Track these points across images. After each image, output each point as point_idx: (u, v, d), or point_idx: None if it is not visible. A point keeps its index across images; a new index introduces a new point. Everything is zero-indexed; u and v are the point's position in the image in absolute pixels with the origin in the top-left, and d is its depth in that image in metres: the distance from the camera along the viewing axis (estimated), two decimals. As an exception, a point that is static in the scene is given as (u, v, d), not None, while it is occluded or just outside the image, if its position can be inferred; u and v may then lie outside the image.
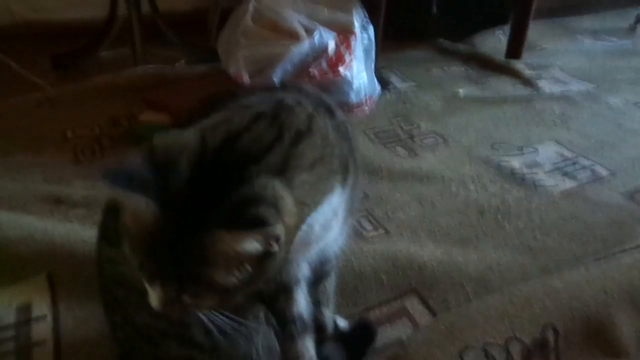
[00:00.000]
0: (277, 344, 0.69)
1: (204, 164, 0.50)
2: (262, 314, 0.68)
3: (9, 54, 1.84)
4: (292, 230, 0.53)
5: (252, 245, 0.49)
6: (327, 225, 0.62)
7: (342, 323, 0.85)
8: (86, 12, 2.06)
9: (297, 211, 0.52)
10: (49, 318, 0.88)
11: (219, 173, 0.50)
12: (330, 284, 0.79)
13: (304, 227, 0.55)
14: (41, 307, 0.90)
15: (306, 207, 0.54)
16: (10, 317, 0.88)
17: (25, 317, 0.88)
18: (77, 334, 0.85)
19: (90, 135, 1.47)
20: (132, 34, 1.88)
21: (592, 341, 0.85)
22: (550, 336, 0.81)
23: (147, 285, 0.53)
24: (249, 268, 0.51)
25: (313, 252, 0.66)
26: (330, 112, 0.64)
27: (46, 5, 2.08)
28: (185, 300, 0.52)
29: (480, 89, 1.87)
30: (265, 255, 0.51)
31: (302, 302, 0.70)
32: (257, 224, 0.48)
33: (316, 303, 0.77)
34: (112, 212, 0.67)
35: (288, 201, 0.51)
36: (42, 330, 0.86)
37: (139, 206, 0.48)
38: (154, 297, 0.52)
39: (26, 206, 1.14)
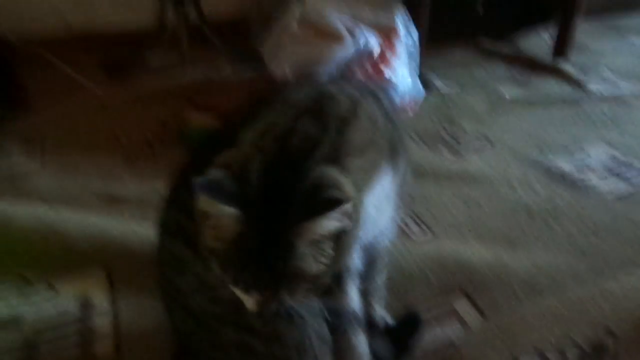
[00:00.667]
0: (329, 335, 0.70)
1: (267, 172, 0.54)
2: (316, 306, 0.69)
3: (65, 61, 1.92)
4: (357, 210, 0.56)
5: (332, 224, 0.52)
6: (381, 208, 0.64)
7: (390, 320, 0.85)
8: (136, 21, 2.13)
9: (355, 193, 0.55)
10: (109, 311, 0.92)
11: (282, 176, 0.53)
12: (380, 280, 0.79)
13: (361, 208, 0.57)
14: (102, 302, 0.94)
15: (362, 189, 0.57)
16: (74, 312, 0.92)
17: (88, 312, 0.92)
18: (136, 326, 0.89)
19: (142, 137, 1.52)
20: (180, 41, 1.94)
21: (652, 347, 0.82)
22: (609, 340, 0.79)
23: (241, 295, 0.56)
24: (331, 251, 0.54)
25: (368, 237, 0.68)
26: (376, 98, 0.66)
27: (99, 15, 2.16)
28: (282, 298, 0.54)
29: (526, 90, 1.84)
30: (342, 235, 0.54)
31: (354, 296, 0.71)
32: (333, 204, 0.51)
33: (367, 298, 0.78)
34: (172, 206, 0.69)
35: (347, 185, 0.54)
36: (104, 323, 0.90)
37: (230, 217, 0.52)
38: (251, 302, 0.56)
39: (85, 205, 1.19)
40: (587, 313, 0.81)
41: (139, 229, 1.07)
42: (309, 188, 0.52)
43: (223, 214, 0.52)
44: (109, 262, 1.01)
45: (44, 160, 1.39)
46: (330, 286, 0.68)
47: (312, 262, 0.53)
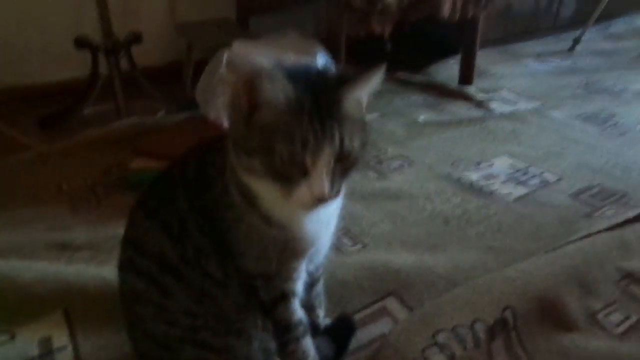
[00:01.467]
0: (274, 346, 0.80)
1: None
2: (259, 321, 0.80)
3: (-1, 117, 1.95)
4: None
5: (375, 84, 0.62)
6: (329, 221, 0.74)
7: (327, 321, 0.97)
8: (68, 72, 2.19)
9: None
10: (70, 348, 0.98)
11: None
12: (320, 289, 0.92)
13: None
14: (61, 339, 1.00)
15: None
16: (33, 350, 0.97)
17: (47, 349, 0.98)
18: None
19: (85, 185, 1.57)
20: (114, 91, 2.02)
21: (547, 319, 0.99)
22: (510, 316, 0.95)
23: (306, 175, 0.59)
24: (362, 134, 0.63)
25: (319, 248, 0.77)
26: None
27: (29, 70, 2.20)
28: (338, 174, 0.61)
29: (438, 113, 2.05)
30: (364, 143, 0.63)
31: (299, 309, 0.80)
32: (375, 66, 0.61)
33: (310, 306, 0.90)
34: (126, 245, 0.78)
35: None
36: (64, 359, 0.96)
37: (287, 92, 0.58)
38: (316, 183, 0.59)
39: (34, 254, 1.24)
40: (491, 295, 0.97)
41: (93, 271, 1.13)
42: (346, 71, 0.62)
43: (285, 94, 0.58)
44: (65, 303, 1.06)
45: (-13, 215, 1.41)
46: (276, 302, 0.76)
47: (353, 138, 0.60)
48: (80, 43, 1.97)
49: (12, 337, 1.00)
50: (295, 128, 0.58)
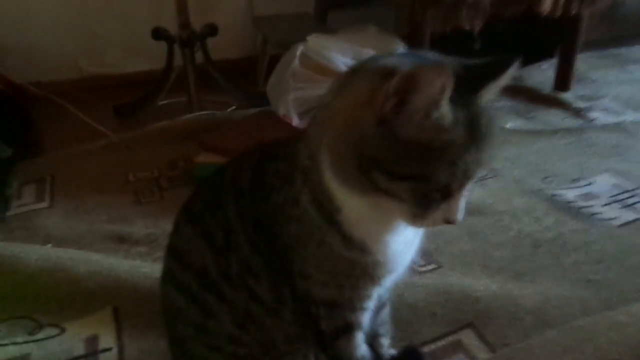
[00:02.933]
0: None
1: None
2: (312, 357, 0.68)
3: (76, 104, 1.99)
4: None
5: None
6: (413, 241, 0.64)
7: (392, 352, 0.84)
8: (145, 64, 2.21)
9: None
10: (115, 350, 0.92)
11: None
12: (387, 315, 0.79)
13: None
14: (107, 340, 0.94)
15: None
16: (79, 349, 0.93)
17: (93, 349, 0.93)
18: (141, 365, 0.89)
19: (150, 177, 1.55)
20: (187, 83, 2.00)
21: (664, 378, 0.80)
22: (618, 371, 0.78)
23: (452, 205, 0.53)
24: None
25: (399, 272, 0.66)
26: None
27: (109, 60, 2.25)
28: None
29: (529, 121, 1.85)
30: None
31: (363, 344, 0.69)
32: (510, 60, 0.56)
33: (374, 334, 0.78)
34: (169, 252, 0.69)
35: None
36: (108, 360, 0.90)
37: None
38: (455, 207, 0.53)
39: (93, 245, 1.21)
40: (594, 344, 0.80)
41: (147, 269, 1.08)
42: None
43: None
44: (116, 300, 1.02)
45: (53, 200, 1.42)
46: (338, 333, 0.66)
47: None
48: (157, 34, 1.97)
49: (62, 332, 0.96)
50: (463, 156, 0.50)
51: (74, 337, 0.94)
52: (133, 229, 1.28)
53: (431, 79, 0.46)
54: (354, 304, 0.63)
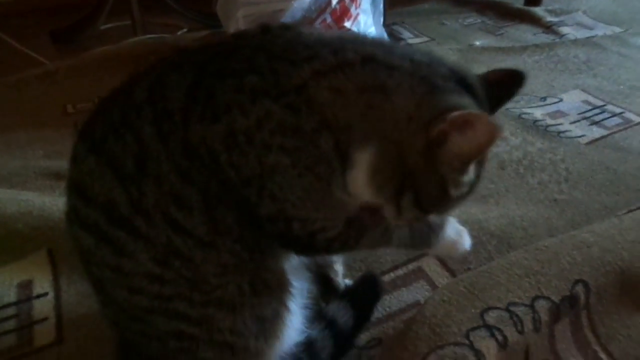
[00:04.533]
0: (269, 311, 0.63)
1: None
2: (246, 286, 0.62)
3: (8, 30, 1.80)
4: None
5: None
6: None
7: (348, 282, 0.80)
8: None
9: None
10: (51, 295, 0.85)
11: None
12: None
13: None
14: (42, 284, 0.87)
15: None
16: (11, 296, 0.85)
17: (26, 295, 0.85)
18: (80, 309, 0.82)
19: (91, 108, 1.41)
20: (130, 4, 1.81)
21: (627, 296, 0.78)
22: (581, 292, 0.75)
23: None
24: None
25: None
26: None
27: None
28: None
29: (498, 38, 1.76)
30: None
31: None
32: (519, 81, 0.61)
33: (327, 262, 0.73)
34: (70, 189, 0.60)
35: None
36: (43, 307, 0.83)
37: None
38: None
39: (26, 183, 1.11)
40: (558, 265, 0.76)
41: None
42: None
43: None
44: (51, 242, 0.93)
45: (-16, 137, 1.29)
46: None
47: None
48: (92, -53, 1.76)
49: (-10, 274, 0.88)
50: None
51: (4, 283, 0.86)
52: (72, 164, 1.18)
53: (487, 133, 0.51)
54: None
